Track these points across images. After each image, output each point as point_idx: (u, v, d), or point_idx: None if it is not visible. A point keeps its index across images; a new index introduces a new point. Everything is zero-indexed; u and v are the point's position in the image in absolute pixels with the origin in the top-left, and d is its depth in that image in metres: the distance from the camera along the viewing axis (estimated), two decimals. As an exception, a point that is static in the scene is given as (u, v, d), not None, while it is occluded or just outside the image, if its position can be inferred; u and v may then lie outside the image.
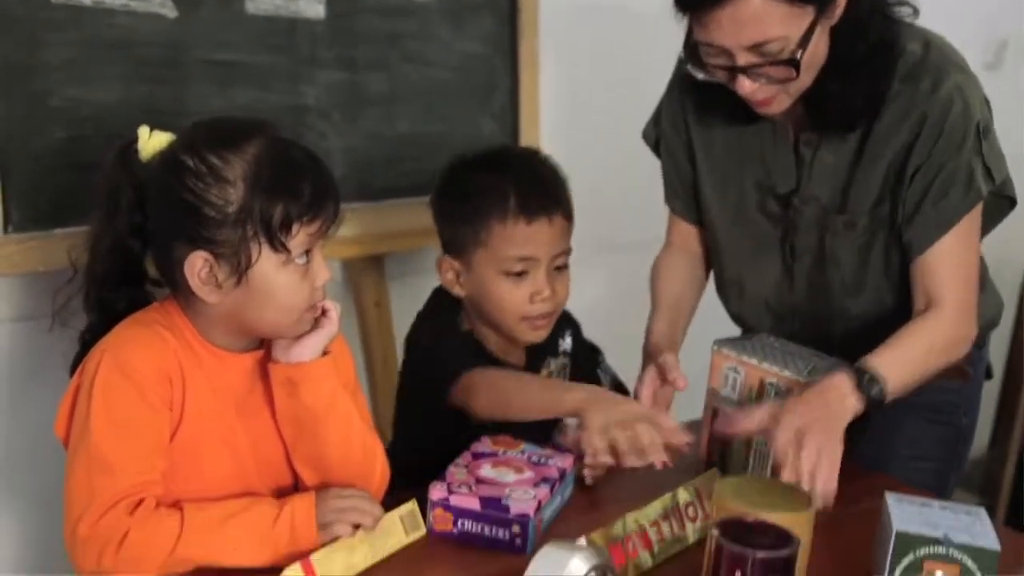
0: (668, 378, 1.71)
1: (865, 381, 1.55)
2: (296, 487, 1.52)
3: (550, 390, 1.51)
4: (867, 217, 1.70)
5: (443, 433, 1.65)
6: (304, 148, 1.44)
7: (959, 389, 1.77)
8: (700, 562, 1.31)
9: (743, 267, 1.85)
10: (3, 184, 1.72)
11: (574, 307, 1.86)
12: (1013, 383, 3.39)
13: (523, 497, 1.54)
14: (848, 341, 1.76)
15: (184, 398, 1.42)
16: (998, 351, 3.28)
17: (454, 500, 1.53)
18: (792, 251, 1.78)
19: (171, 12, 1.84)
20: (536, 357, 1.82)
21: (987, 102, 1.66)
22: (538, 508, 1.53)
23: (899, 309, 1.76)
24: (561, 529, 1.55)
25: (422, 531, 1.54)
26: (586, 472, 1.68)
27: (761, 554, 1.25)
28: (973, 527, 1.38)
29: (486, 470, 1.61)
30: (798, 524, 1.34)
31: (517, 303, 1.71)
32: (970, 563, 1.34)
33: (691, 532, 1.54)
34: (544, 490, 1.56)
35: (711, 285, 1.95)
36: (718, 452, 1.73)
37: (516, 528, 1.50)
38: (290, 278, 1.41)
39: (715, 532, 1.28)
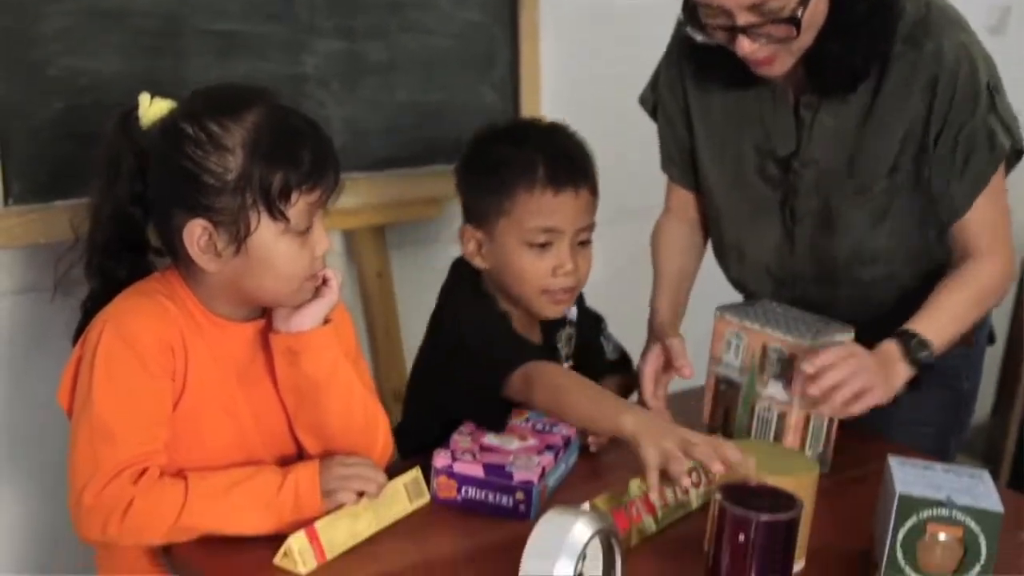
0: (675, 364, 1.73)
1: (913, 347, 1.59)
2: (299, 456, 1.52)
3: (605, 408, 1.45)
4: (884, 182, 1.70)
5: (464, 410, 1.65)
6: (304, 116, 1.44)
7: (961, 354, 1.77)
8: (704, 527, 1.32)
9: (742, 232, 1.85)
10: (3, 156, 1.72)
11: (575, 275, 1.85)
12: (1015, 350, 3.39)
13: (527, 464, 1.54)
14: (855, 307, 1.76)
15: (186, 367, 1.42)
16: (1000, 317, 3.28)
17: (458, 467, 1.54)
18: (792, 215, 1.78)
19: (169, -19, 1.83)
20: (550, 331, 1.81)
21: (991, 59, 1.66)
22: (542, 475, 1.53)
23: (911, 277, 1.76)
24: (565, 496, 1.55)
25: (426, 498, 1.55)
26: (591, 440, 1.68)
27: (764, 517, 1.26)
28: (976, 489, 1.38)
29: (490, 438, 1.61)
30: (801, 488, 1.35)
31: (539, 275, 1.70)
32: (973, 525, 1.34)
33: (694, 497, 1.55)
34: (548, 457, 1.57)
35: (711, 251, 1.95)
36: (721, 418, 1.73)
37: (520, 495, 1.51)
38: (289, 247, 1.41)
39: (718, 496, 1.29)
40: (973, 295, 1.68)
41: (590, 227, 1.73)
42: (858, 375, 1.54)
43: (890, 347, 1.60)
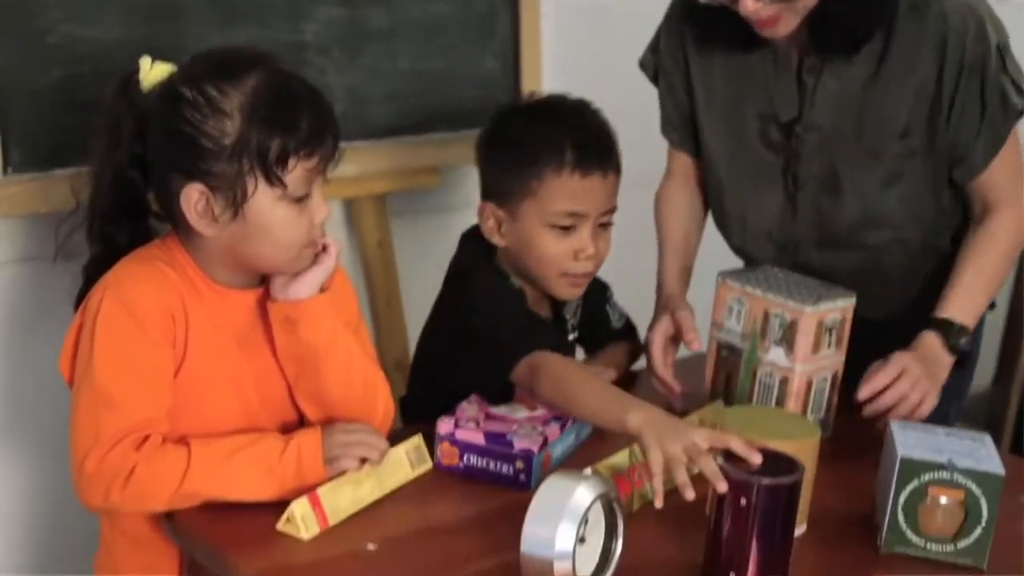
0: (684, 337, 1.74)
1: (952, 336, 1.64)
2: (301, 423, 1.53)
3: (611, 405, 1.43)
4: (897, 146, 1.70)
5: (468, 390, 1.64)
6: (305, 81, 1.43)
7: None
8: (706, 491, 1.32)
9: (744, 200, 1.84)
10: (2, 124, 1.71)
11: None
12: (1017, 319, 3.39)
13: (529, 434, 1.54)
14: (857, 272, 1.76)
15: (187, 334, 1.42)
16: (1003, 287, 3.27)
17: (460, 435, 1.54)
18: (795, 180, 1.77)
19: (169, -53, 1.82)
20: (559, 302, 1.80)
21: (999, 20, 1.66)
22: (544, 445, 1.53)
23: (917, 242, 1.77)
24: (570, 464, 1.56)
25: (428, 465, 1.55)
26: None
27: (766, 481, 1.26)
28: (977, 452, 1.39)
29: (499, 407, 1.61)
30: (803, 452, 1.35)
31: (560, 258, 1.68)
32: (974, 488, 1.34)
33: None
34: (554, 428, 1.57)
35: (712, 218, 1.95)
36: (723, 384, 1.73)
37: (520, 464, 1.51)
38: (287, 213, 1.40)
39: (720, 461, 1.29)
40: (998, 258, 1.71)
41: (613, 210, 1.72)
42: (913, 390, 1.58)
43: (932, 340, 1.63)
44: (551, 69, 2.31)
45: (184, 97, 1.37)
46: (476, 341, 1.63)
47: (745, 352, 1.69)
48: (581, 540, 1.24)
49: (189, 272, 1.45)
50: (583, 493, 1.24)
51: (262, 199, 1.38)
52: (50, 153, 1.74)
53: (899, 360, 1.60)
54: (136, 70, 1.42)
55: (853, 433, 1.65)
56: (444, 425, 1.56)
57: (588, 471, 1.34)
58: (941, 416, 1.75)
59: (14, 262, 1.80)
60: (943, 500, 1.36)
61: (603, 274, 1.92)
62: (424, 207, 2.27)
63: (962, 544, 1.37)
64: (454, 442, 1.54)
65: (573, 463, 1.51)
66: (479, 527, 1.43)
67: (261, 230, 1.40)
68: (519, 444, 1.52)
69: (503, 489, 1.50)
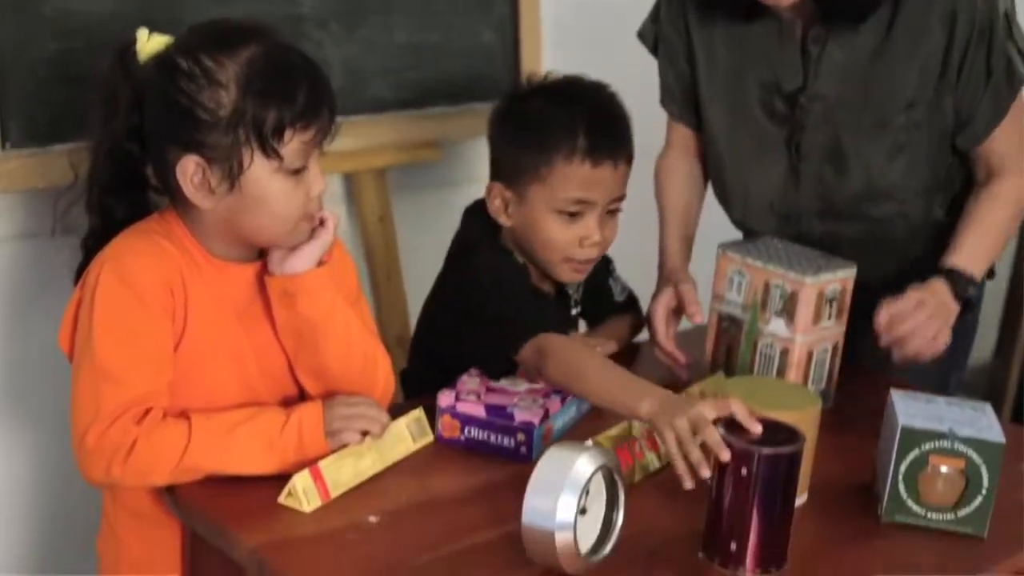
0: (687, 311, 1.74)
1: (960, 284, 1.64)
2: (302, 396, 1.52)
3: (621, 393, 1.40)
4: (903, 117, 1.69)
5: (474, 359, 1.64)
6: (301, 53, 1.42)
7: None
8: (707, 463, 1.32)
9: (746, 171, 1.84)
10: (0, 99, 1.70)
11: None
12: (1017, 292, 3.38)
13: (530, 406, 1.54)
14: (859, 244, 1.76)
15: (186, 308, 1.42)
16: (1004, 257, 3.27)
17: (461, 407, 1.54)
18: (798, 151, 1.77)
19: (166, -81, 1.80)
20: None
21: None
22: (545, 417, 1.53)
23: (920, 215, 1.76)
24: (570, 435, 1.56)
25: (429, 438, 1.55)
26: None
27: (767, 450, 1.26)
28: (978, 421, 1.39)
29: (501, 380, 1.61)
30: (804, 422, 1.35)
31: (565, 244, 1.67)
32: (975, 456, 1.35)
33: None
34: (555, 401, 1.57)
35: (711, 190, 1.94)
36: (724, 356, 1.73)
37: (520, 436, 1.51)
38: (284, 185, 1.40)
39: (721, 431, 1.29)
40: (1002, 219, 1.72)
41: (622, 197, 1.70)
42: (930, 322, 1.59)
43: (940, 286, 1.63)
44: (551, 41, 2.30)
45: (180, 68, 1.36)
46: (481, 320, 1.62)
47: (746, 323, 1.69)
48: (582, 511, 1.24)
49: (187, 245, 1.44)
50: (584, 464, 1.24)
51: (258, 171, 1.38)
52: (48, 128, 1.73)
53: (915, 293, 1.60)
54: (133, 42, 1.41)
55: (854, 403, 1.66)
56: (445, 398, 1.56)
57: (589, 443, 1.34)
58: (942, 385, 1.76)
59: (13, 238, 1.79)
60: (944, 469, 1.37)
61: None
62: (425, 182, 2.26)
63: (963, 513, 1.37)
64: (455, 415, 1.54)
65: (574, 436, 1.51)
66: (480, 499, 1.43)
67: (258, 202, 1.39)
68: (520, 416, 1.52)
69: (504, 461, 1.50)
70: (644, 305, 1.88)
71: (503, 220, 1.70)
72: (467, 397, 1.56)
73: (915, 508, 1.38)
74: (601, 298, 1.88)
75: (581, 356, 1.54)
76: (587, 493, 1.24)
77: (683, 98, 1.88)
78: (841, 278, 1.65)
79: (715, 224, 1.93)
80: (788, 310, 1.63)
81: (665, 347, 1.75)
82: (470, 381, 1.60)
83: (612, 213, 1.70)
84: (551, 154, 1.63)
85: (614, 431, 1.50)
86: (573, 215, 1.66)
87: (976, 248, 1.68)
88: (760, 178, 1.82)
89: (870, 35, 1.67)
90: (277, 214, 1.41)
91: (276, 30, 1.43)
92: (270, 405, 1.47)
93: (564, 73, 1.74)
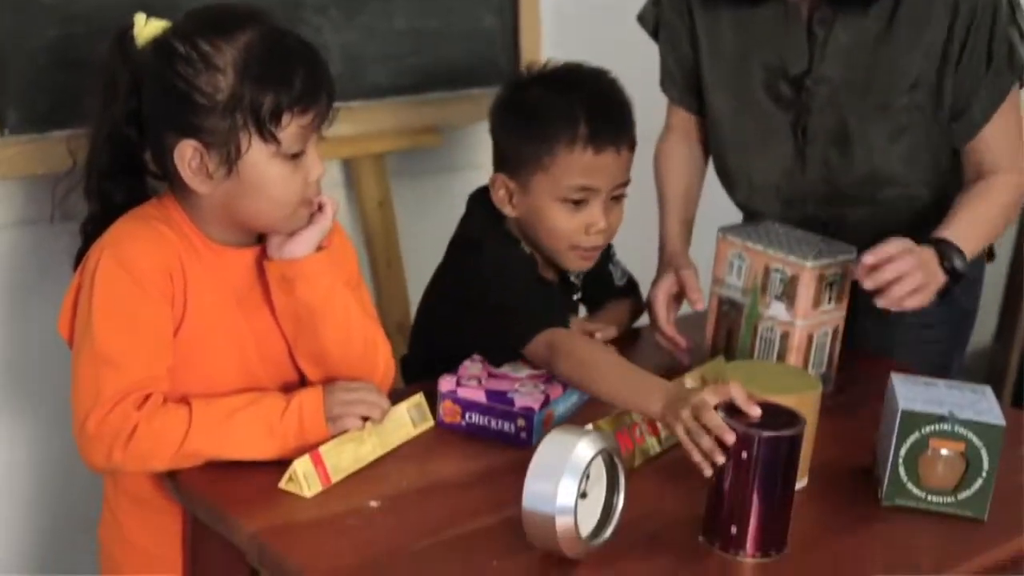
0: (688, 297, 1.74)
1: (947, 253, 1.59)
2: (303, 382, 1.52)
3: (634, 393, 1.42)
4: (905, 99, 1.69)
5: (476, 349, 1.64)
6: (299, 38, 1.42)
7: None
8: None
9: (750, 157, 1.84)
10: (-1, 85, 1.70)
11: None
12: (1018, 275, 3.38)
13: (531, 392, 1.54)
14: (864, 228, 1.76)
15: (185, 293, 1.42)
16: (1005, 240, 3.26)
17: (462, 392, 1.54)
18: (804, 134, 1.76)
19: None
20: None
21: None
22: (545, 403, 1.53)
23: (926, 199, 1.76)
24: (571, 420, 1.56)
25: (430, 423, 1.56)
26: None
27: (767, 434, 1.26)
28: (978, 404, 1.39)
29: (501, 366, 1.61)
30: (804, 406, 1.35)
31: (570, 232, 1.66)
32: (975, 439, 1.35)
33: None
34: (556, 386, 1.56)
35: (711, 173, 1.94)
36: (724, 340, 1.73)
37: (521, 422, 1.51)
38: (282, 170, 1.40)
39: (721, 414, 1.29)
40: (996, 208, 1.70)
41: (626, 183, 1.69)
42: (917, 270, 1.55)
43: (928, 255, 1.59)
44: (550, 24, 2.29)
45: (177, 52, 1.36)
46: (487, 313, 1.62)
47: (746, 307, 1.69)
48: (583, 495, 1.24)
49: (186, 230, 1.44)
50: (584, 448, 1.24)
51: (256, 156, 1.38)
52: (47, 114, 1.72)
53: (902, 241, 1.56)
54: (130, 26, 1.41)
55: (854, 387, 1.66)
56: (446, 383, 1.56)
57: (589, 427, 1.34)
58: (945, 368, 1.76)
59: (13, 225, 1.79)
60: (944, 452, 1.37)
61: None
62: (425, 167, 2.26)
63: (963, 496, 1.37)
64: (456, 400, 1.54)
65: (575, 422, 1.50)
66: (481, 484, 1.43)
67: (256, 187, 1.39)
68: (520, 402, 1.52)
69: (505, 446, 1.50)
70: (644, 290, 1.88)
71: (508, 210, 1.69)
72: (468, 382, 1.56)
73: (915, 491, 1.38)
74: (601, 283, 1.88)
75: (593, 354, 1.54)
76: (587, 477, 1.24)
77: (684, 82, 1.87)
78: (841, 262, 1.65)
79: (715, 208, 1.92)
80: (788, 294, 1.63)
81: (666, 332, 1.75)
82: (472, 367, 1.60)
83: (616, 199, 1.70)
84: (553, 143, 1.63)
85: (615, 416, 1.50)
86: (578, 203, 1.65)
87: (967, 228, 1.65)
88: (765, 163, 1.82)
89: (875, 18, 1.66)
90: (275, 199, 1.41)
91: (274, 15, 1.42)
92: (270, 390, 1.47)
93: (564, 60, 1.73)
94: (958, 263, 1.60)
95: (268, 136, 1.37)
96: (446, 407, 1.55)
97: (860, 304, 1.65)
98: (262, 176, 1.39)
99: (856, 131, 1.73)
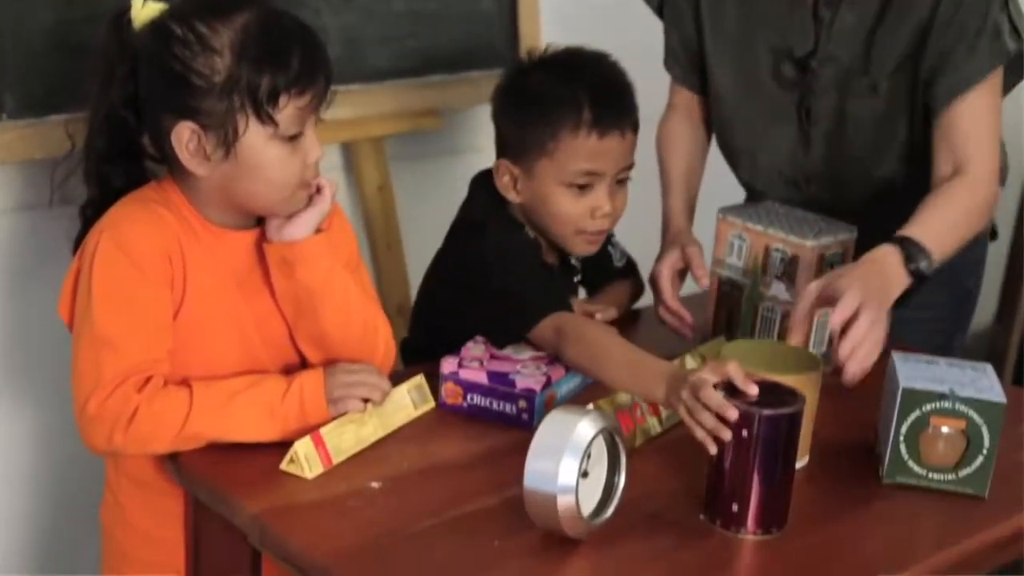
0: (694, 273, 1.73)
1: (914, 255, 1.52)
2: (304, 364, 1.52)
3: (640, 379, 1.42)
4: (887, 82, 1.68)
5: (478, 333, 1.64)
6: (296, 19, 1.41)
7: (965, 250, 1.76)
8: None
9: (755, 136, 1.84)
10: (-4, 69, 1.70)
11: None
12: (1018, 257, 3.38)
13: (533, 373, 1.54)
14: (865, 206, 1.76)
15: (185, 275, 1.42)
16: (1005, 215, 3.26)
17: (463, 374, 1.54)
18: (808, 115, 1.76)
19: None
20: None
21: None
22: (547, 384, 1.53)
23: (920, 180, 1.75)
24: (573, 402, 1.56)
25: (431, 404, 1.56)
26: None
27: (767, 412, 1.26)
28: (979, 382, 1.39)
29: (504, 348, 1.61)
30: (805, 385, 1.35)
31: (576, 216, 1.66)
32: (976, 417, 1.35)
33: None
34: (557, 368, 1.56)
35: (716, 154, 1.94)
36: (725, 320, 1.73)
37: (522, 403, 1.51)
38: (280, 152, 1.39)
39: (721, 393, 1.29)
40: (962, 212, 1.62)
41: (630, 166, 1.69)
42: (869, 334, 1.44)
43: (892, 257, 1.52)
44: (548, 7, 2.29)
45: (174, 34, 1.36)
46: (490, 297, 1.62)
47: (747, 288, 1.69)
48: (584, 474, 1.24)
49: (185, 213, 1.44)
50: (585, 427, 1.24)
51: (254, 137, 1.38)
52: (45, 98, 1.72)
53: (853, 294, 1.44)
54: (128, 9, 1.41)
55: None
56: (448, 365, 1.56)
57: (590, 407, 1.34)
58: (944, 349, 1.75)
59: (12, 210, 1.79)
60: (945, 430, 1.37)
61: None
62: (424, 150, 2.26)
63: (963, 473, 1.37)
64: (458, 381, 1.54)
65: (577, 403, 1.51)
66: (483, 465, 1.43)
67: (254, 169, 1.39)
68: (521, 383, 1.52)
69: (507, 428, 1.50)
70: (644, 272, 1.88)
71: (512, 196, 1.69)
72: (470, 364, 1.56)
73: (916, 469, 1.39)
74: (600, 265, 1.88)
75: (601, 339, 1.53)
76: (589, 456, 1.24)
77: (688, 61, 1.87)
78: (842, 241, 1.65)
79: (716, 190, 1.92)
80: (789, 274, 1.63)
81: (671, 306, 1.74)
82: (475, 348, 1.60)
83: (621, 183, 1.69)
84: (557, 128, 1.62)
85: (615, 396, 1.50)
86: (583, 187, 1.65)
87: (936, 229, 1.56)
88: (769, 144, 1.82)
89: None
90: (273, 181, 1.41)
91: None
92: (271, 373, 1.47)
93: (563, 42, 1.73)
94: (924, 265, 1.53)
95: (265, 118, 1.37)
96: (448, 388, 1.55)
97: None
98: (260, 158, 1.39)
99: (850, 111, 1.73)
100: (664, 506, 1.35)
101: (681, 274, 1.77)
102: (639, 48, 1.89)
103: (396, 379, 1.52)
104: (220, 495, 1.36)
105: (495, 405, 1.53)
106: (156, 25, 1.39)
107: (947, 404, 1.35)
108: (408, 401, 1.53)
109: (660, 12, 1.87)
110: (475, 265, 1.65)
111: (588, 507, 1.26)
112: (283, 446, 1.38)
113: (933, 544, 1.34)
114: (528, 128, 1.65)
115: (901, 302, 1.53)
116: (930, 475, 1.38)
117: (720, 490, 1.30)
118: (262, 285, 1.49)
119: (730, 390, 1.29)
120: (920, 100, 1.69)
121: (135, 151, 1.47)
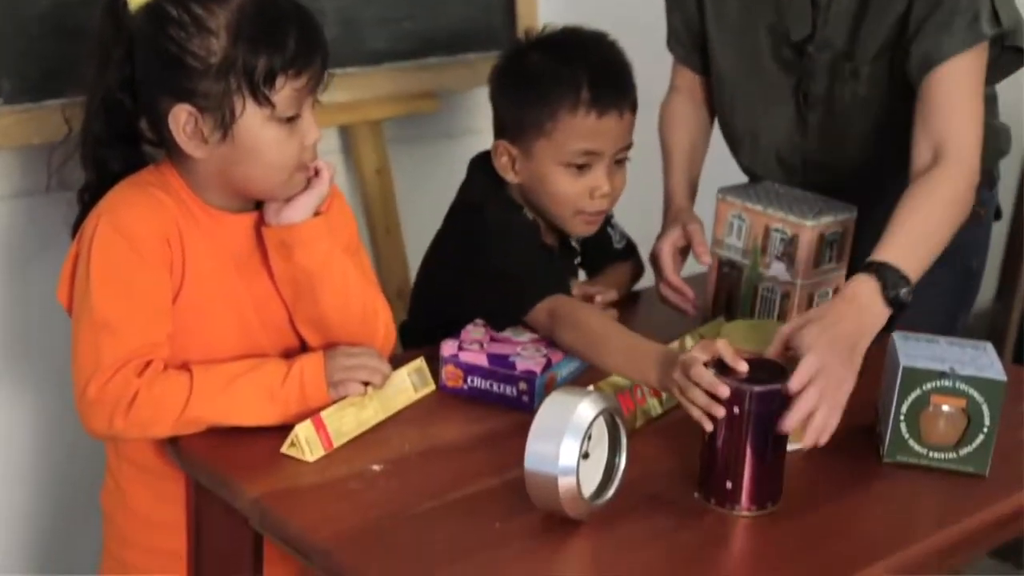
0: (695, 250, 1.72)
1: (891, 282, 1.44)
2: (304, 348, 1.52)
3: (634, 363, 1.42)
4: (869, 67, 1.68)
5: (477, 316, 1.64)
6: (292, 0, 1.41)
7: (969, 230, 1.75)
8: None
9: (755, 118, 1.83)
10: (-8, 54, 1.69)
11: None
12: (1018, 236, 3.38)
13: (533, 355, 1.54)
14: (862, 190, 1.75)
15: (184, 259, 1.42)
16: (1005, 194, 3.25)
17: (463, 357, 1.54)
18: (806, 99, 1.75)
19: None
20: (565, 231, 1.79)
21: None
22: (547, 366, 1.53)
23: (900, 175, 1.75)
24: (573, 383, 1.56)
25: (431, 387, 1.56)
26: None
27: (758, 388, 1.26)
28: (979, 360, 1.39)
29: (504, 331, 1.61)
30: (803, 363, 1.35)
31: (575, 197, 1.66)
32: (976, 395, 1.35)
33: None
34: (558, 351, 1.56)
35: (717, 139, 1.93)
36: (725, 300, 1.73)
37: (523, 385, 1.51)
38: (277, 134, 1.39)
39: (712, 371, 1.29)
40: (942, 207, 1.55)
41: (629, 146, 1.69)
42: (822, 404, 1.32)
43: (866, 286, 1.44)
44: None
45: (170, 16, 1.35)
46: (489, 278, 1.62)
47: (746, 268, 1.69)
48: (585, 455, 1.24)
49: (183, 196, 1.44)
50: (586, 408, 1.24)
51: (251, 119, 1.37)
52: (41, 83, 1.71)
53: (812, 359, 1.32)
54: (124, -10, 1.40)
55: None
56: (448, 347, 1.56)
57: (591, 388, 1.34)
58: (947, 329, 1.75)
59: (10, 196, 1.79)
60: (945, 408, 1.37)
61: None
62: (422, 133, 2.25)
63: (964, 451, 1.37)
64: (458, 364, 1.54)
65: (577, 384, 1.51)
66: (484, 447, 1.43)
67: (251, 152, 1.39)
68: (521, 365, 1.52)
69: (507, 410, 1.50)
70: (643, 253, 1.87)
71: (511, 177, 1.69)
72: (470, 346, 1.56)
73: (916, 448, 1.39)
74: (600, 246, 1.88)
75: (595, 324, 1.53)
76: (589, 438, 1.24)
77: (690, 41, 1.87)
78: (841, 221, 1.64)
79: (716, 172, 1.92)
80: (788, 254, 1.63)
81: (672, 282, 1.73)
82: (474, 331, 1.60)
83: (620, 163, 1.69)
84: (556, 108, 1.62)
85: (615, 378, 1.50)
86: (581, 167, 1.65)
87: (912, 243, 1.49)
88: (769, 125, 1.81)
89: None
90: (270, 163, 1.40)
91: None
92: (271, 356, 1.47)
93: (560, 23, 1.72)
94: (903, 293, 1.45)
95: (262, 99, 1.36)
96: (448, 371, 1.55)
97: (861, 264, 1.64)
98: (257, 140, 1.38)
99: (839, 97, 1.72)
100: (664, 487, 1.35)
101: (683, 251, 1.76)
102: (642, 27, 1.88)
103: (396, 362, 1.52)
104: (221, 479, 1.36)
105: (495, 387, 1.53)
106: (151, 7, 1.38)
107: (947, 383, 1.35)
108: (408, 384, 1.53)
109: None
110: (473, 247, 1.65)
111: (589, 488, 1.27)
112: (284, 430, 1.38)
113: (934, 522, 1.35)
114: (526, 108, 1.64)
115: (887, 329, 1.47)
116: (931, 454, 1.39)
117: (714, 468, 1.30)
118: (261, 268, 1.48)
119: (722, 368, 1.29)
120: (902, 88, 1.67)
121: (132, 135, 1.47)
